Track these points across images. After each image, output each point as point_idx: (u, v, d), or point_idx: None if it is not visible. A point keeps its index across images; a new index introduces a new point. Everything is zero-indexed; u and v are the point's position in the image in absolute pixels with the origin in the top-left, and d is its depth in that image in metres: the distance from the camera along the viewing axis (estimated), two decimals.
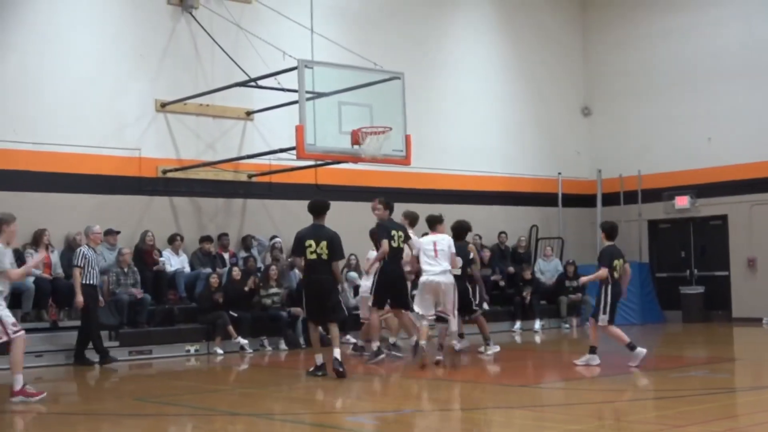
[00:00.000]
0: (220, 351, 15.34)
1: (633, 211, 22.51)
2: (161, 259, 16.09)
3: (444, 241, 12.74)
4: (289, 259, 16.14)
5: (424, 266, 12.49)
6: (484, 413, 8.98)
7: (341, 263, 13.96)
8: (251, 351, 15.40)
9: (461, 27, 21.89)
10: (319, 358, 11.66)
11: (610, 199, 22.79)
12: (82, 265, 13.69)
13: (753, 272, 20.01)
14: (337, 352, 11.43)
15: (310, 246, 11.53)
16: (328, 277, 11.60)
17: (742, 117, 20.85)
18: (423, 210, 19.77)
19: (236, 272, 16.25)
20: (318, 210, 11.92)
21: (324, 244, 11.51)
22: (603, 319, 11.86)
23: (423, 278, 12.51)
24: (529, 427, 8.10)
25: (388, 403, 10.14)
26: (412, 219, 13.96)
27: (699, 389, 10.06)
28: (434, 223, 13.15)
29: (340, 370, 11.34)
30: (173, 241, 16.63)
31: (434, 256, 12.48)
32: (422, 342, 12.41)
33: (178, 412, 9.55)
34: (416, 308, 12.64)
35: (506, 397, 10.04)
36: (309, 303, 11.75)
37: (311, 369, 11.74)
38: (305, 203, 17.65)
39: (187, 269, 16.47)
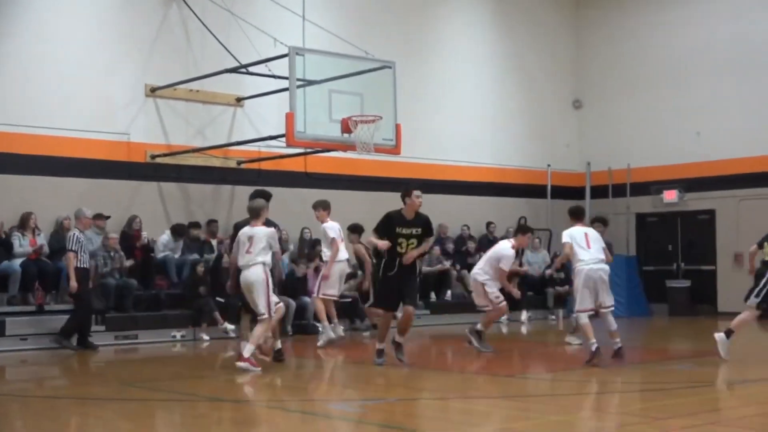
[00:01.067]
0: (206, 337, 15.34)
1: (621, 204, 22.58)
2: (144, 233, 16.05)
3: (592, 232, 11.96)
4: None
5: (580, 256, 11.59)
6: (468, 403, 9.01)
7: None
8: (236, 336, 15.37)
9: (453, 17, 21.87)
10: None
11: (599, 192, 22.85)
12: (75, 249, 13.62)
13: (739, 267, 20.06)
14: (277, 343, 11.67)
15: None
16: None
17: (731, 112, 20.92)
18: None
19: (226, 259, 16.20)
20: (266, 198, 11.92)
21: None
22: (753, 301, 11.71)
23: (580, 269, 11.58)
24: (513, 417, 8.13)
25: (372, 392, 10.16)
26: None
27: (683, 382, 10.11)
28: (578, 214, 12.19)
29: (281, 359, 11.66)
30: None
31: (587, 247, 11.58)
32: (592, 341, 11.22)
33: (163, 397, 9.54)
34: (577, 303, 11.63)
35: (491, 388, 10.07)
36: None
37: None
38: (295, 191, 18.00)
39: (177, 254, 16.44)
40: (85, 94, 16.38)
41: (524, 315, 19.40)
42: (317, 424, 8.19)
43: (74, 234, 13.78)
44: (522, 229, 13.87)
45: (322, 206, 13.89)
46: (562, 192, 22.95)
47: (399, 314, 11.57)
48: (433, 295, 19.21)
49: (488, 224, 21.47)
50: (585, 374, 11.02)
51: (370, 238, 11.63)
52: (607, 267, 11.63)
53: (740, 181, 20.53)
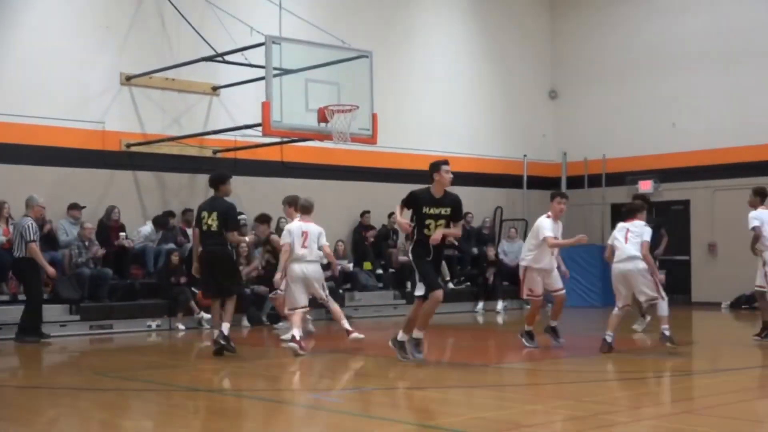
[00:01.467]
0: (182, 326, 15.31)
1: (597, 194, 22.70)
2: (122, 234, 15.93)
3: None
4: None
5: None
6: (444, 392, 9.04)
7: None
8: (208, 327, 15.27)
9: (430, 7, 21.85)
10: (215, 333, 11.46)
11: (575, 182, 22.96)
12: (36, 239, 13.44)
13: (713, 257, 20.27)
14: (225, 327, 11.26)
15: (204, 217, 11.44)
16: (220, 248, 11.42)
17: (706, 103, 21.05)
18: (387, 189, 19.92)
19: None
20: (213, 182, 11.73)
21: (215, 215, 11.34)
22: None
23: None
24: (489, 406, 8.16)
25: (349, 381, 10.18)
26: (302, 207, 12.45)
27: (657, 372, 10.18)
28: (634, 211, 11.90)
29: (222, 343, 11.22)
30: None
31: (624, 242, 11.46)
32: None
33: (138, 387, 9.52)
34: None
35: (467, 377, 10.10)
36: (203, 276, 11.60)
37: (216, 348, 11.35)
38: (271, 180, 17.97)
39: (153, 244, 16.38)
40: (59, 82, 16.26)
41: (500, 305, 19.49)
42: (294, 413, 8.20)
43: (30, 224, 13.42)
44: (556, 195, 12.43)
45: (289, 202, 12.98)
46: (538, 182, 23.03)
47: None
48: (408, 285, 19.22)
49: (465, 214, 21.48)
50: (559, 364, 11.09)
51: (394, 217, 10.81)
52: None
53: (715, 172, 20.68)
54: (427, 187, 10.43)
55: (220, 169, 13.93)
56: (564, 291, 12.13)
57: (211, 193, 11.91)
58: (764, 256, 12.42)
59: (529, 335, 12.05)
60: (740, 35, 20.63)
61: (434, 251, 10.40)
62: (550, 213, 11.90)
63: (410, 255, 10.68)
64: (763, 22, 20.37)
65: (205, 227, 11.43)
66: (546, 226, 11.69)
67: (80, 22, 16.61)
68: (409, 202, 10.44)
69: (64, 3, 16.48)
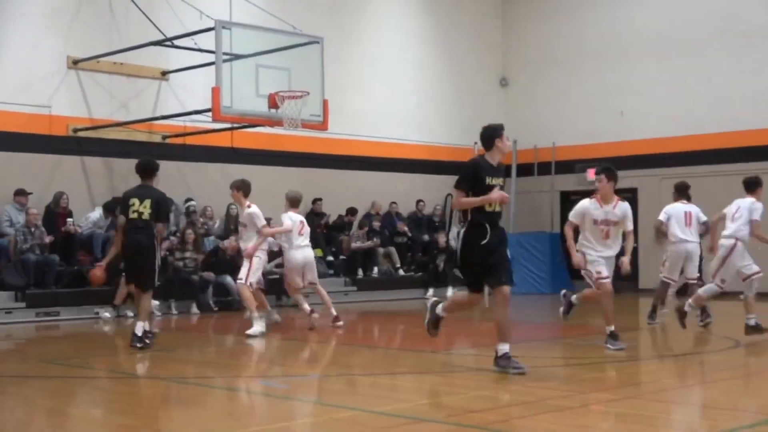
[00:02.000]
0: (130, 314, 15.13)
1: (546, 182, 22.87)
2: (69, 220, 15.71)
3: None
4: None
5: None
6: (394, 378, 9.06)
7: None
8: (159, 314, 15.21)
9: None
10: (139, 328, 10.74)
11: (525, 170, 23.10)
12: None
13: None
14: (138, 327, 10.73)
15: (134, 204, 10.78)
16: (147, 239, 10.76)
17: (654, 92, 21.32)
18: (338, 176, 19.88)
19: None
20: (145, 170, 11.14)
21: (148, 203, 10.75)
22: None
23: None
24: (439, 392, 8.20)
25: (299, 368, 10.17)
26: (292, 201, 13.17)
27: (603, 357, 10.30)
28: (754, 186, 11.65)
29: (138, 346, 10.62)
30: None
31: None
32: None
33: (85, 374, 9.41)
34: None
35: (417, 363, 10.13)
36: (126, 264, 11.18)
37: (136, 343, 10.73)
38: (221, 166, 17.83)
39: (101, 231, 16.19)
40: (4, 65, 15.97)
41: (450, 291, 19.54)
42: (242, 400, 8.16)
43: None
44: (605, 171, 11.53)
45: (237, 186, 12.70)
46: None
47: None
48: (360, 272, 19.24)
49: (417, 202, 21.57)
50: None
51: (456, 198, 8.87)
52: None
53: (661, 160, 20.94)
54: (482, 156, 8.95)
55: (147, 156, 12.82)
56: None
57: (138, 180, 11.30)
58: (667, 248, 13.14)
59: (613, 336, 10.45)
60: (686, 27, 20.95)
61: (497, 235, 8.72)
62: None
63: (460, 241, 8.89)
64: (707, 14, 20.67)
65: (134, 215, 10.75)
66: (583, 204, 10.99)
67: (26, 4, 16.31)
68: (474, 174, 8.72)
69: None
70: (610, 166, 11.32)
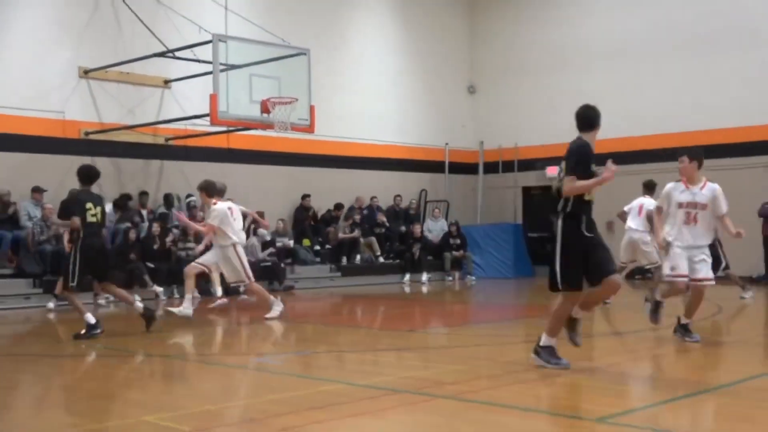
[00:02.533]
0: (138, 298, 15.02)
1: (510, 178, 22.92)
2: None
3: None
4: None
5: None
6: (376, 355, 9.04)
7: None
8: (165, 298, 15.18)
9: (361, 7, 21.80)
10: (90, 318, 10.33)
11: (491, 168, 23.17)
12: None
13: (611, 234, 20.54)
14: (139, 306, 10.81)
15: (90, 209, 10.38)
16: (101, 240, 10.74)
17: (606, 96, 21.17)
18: (324, 174, 19.82)
19: (156, 228, 15.98)
20: (90, 176, 10.60)
21: (99, 210, 10.46)
22: None
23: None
24: (417, 367, 8.18)
25: (289, 346, 10.13)
26: (207, 190, 12.11)
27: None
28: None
29: (153, 313, 10.78)
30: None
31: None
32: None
33: (97, 352, 9.33)
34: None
35: (396, 341, 10.12)
36: (88, 265, 10.43)
37: (83, 332, 10.20)
38: (219, 165, 17.73)
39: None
40: (22, 75, 15.83)
41: (424, 276, 19.59)
42: (237, 375, 8.12)
43: None
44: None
45: (200, 188, 12.21)
46: (458, 167, 23.19)
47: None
48: (344, 260, 19.21)
49: (395, 197, 21.57)
50: (477, 329, 11.17)
51: (574, 184, 7.32)
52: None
53: (613, 158, 20.92)
54: (583, 139, 7.53)
55: (87, 164, 11.54)
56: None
57: (74, 183, 10.94)
58: (626, 235, 13.26)
59: (685, 329, 9.17)
60: (636, 36, 21.00)
61: (588, 221, 7.41)
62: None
63: (558, 232, 7.46)
64: (656, 23, 20.73)
65: (92, 219, 10.37)
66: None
67: (40, 19, 16.16)
68: (587, 159, 7.35)
69: (27, 5, 16.00)
70: (696, 147, 9.95)
